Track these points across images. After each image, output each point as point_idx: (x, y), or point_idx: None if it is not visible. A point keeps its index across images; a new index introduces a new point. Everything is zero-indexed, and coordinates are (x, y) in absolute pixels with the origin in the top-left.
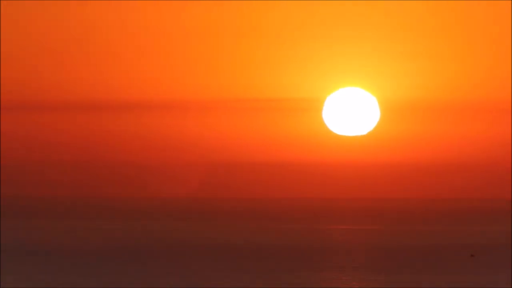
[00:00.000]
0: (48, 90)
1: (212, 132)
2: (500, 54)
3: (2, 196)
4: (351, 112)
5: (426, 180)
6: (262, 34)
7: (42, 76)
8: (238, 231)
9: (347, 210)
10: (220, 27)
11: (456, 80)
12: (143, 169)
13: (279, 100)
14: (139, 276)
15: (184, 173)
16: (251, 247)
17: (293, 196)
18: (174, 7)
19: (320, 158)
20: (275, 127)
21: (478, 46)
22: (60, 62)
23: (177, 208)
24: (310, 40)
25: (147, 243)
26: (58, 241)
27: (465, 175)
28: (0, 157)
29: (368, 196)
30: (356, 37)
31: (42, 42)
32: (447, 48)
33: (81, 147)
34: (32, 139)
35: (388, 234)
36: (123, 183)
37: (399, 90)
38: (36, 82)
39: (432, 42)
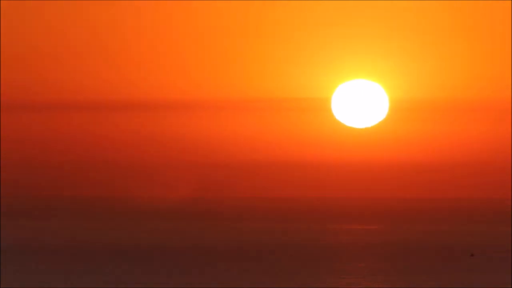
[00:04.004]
0: (49, 90)
1: (214, 132)
2: (501, 54)
3: (2, 196)
4: (359, 103)
5: (427, 180)
6: (267, 33)
7: (42, 76)
8: (238, 231)
9: (347, 209)
10: (224, 27)
11: (456, 80)
12: (143, 169)
13: (282, 100)
14: (139, 276)
15: (190, 173)
16: (251, 247)
17: (294, 195)
18: (176, 7)
19: (321, 157)
20: (277, 127)
21: (479, 46)
22: (60, 62)
23: (177, 208)
24: (315, 39)
25: (147, 243)
26: (58, 241)
27: (465, 175)
28: (0, 157)
29: (367, 196)
30: (361, 37)
31: (42, 42)
32: (450, 48)
33: (80, 147)
34: (32, 139)
35: (388, 233)
36: (123, 183)
37: (401, 89)
38: (36, 82)
39: (434, 41)
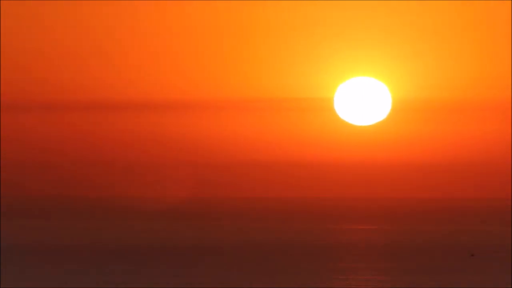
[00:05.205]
0: (49, 90)
1: (214, 132)
2: (501, 54)
3: (2, 196)
4: (361, 100)
5: (426, 180)
6: (267, 33)
7: (42, 76)
8: (238, 231)
9: (347, 209)
10: (223, 27)
11: (457, 80)
12: (143, 169)
13: (283, 100)
14: (139, 276)
15: (190, 173)
16: (251, 247)
17: (294, 195)
18: (175, 7)
19: (321, 157)
20: (278, 127)
21: (481, 46)
22: (60, 62)
23: (177, 208)
24: (316, 39)
25: (147, 243)
26: (58, 241)
27: (465, 175)
28: (0, 157)
29: (367, 196)
30: (363, 37)
31: (42, 42)
32: (452, 48)
33: (80, 147)
34: (32, 139)
35: (388, 233)
36: (123, 183)
37: (403, 89)
38: (36, 82)
39: (436, 41)
